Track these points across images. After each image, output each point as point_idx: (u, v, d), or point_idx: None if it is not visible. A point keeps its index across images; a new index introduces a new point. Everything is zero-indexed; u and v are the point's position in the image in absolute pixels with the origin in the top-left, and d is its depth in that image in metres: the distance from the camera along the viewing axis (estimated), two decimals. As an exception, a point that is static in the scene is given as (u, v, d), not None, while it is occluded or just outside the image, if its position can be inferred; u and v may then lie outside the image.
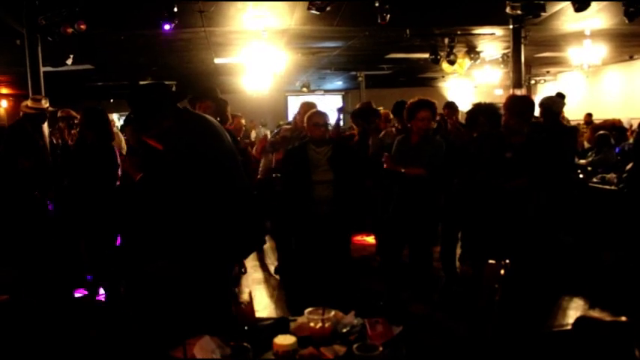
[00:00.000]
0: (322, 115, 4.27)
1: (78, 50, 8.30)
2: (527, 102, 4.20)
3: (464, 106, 6.85)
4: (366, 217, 6.02)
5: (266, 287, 5.52)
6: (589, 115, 12.74)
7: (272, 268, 5.94)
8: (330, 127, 4.50)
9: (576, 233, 5.57)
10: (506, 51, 10.68)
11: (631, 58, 13.76)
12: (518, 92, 7.70)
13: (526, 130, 4.00)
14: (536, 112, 5.01)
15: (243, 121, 6.78)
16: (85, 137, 4.70)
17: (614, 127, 8.62)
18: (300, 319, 2.13)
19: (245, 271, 5.89)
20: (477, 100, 5.82)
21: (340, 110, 5.66)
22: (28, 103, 5.47)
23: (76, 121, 5.70)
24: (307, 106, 4.91)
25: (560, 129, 5.34)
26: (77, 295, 4.85)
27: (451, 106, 6.03)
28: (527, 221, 3.96)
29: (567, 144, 5.35)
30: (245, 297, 2.15)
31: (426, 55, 10.63)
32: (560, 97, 6.37)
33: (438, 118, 5.25)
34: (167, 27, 6.43)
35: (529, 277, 3.64)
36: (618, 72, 14.94)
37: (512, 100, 4.18)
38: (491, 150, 4.04)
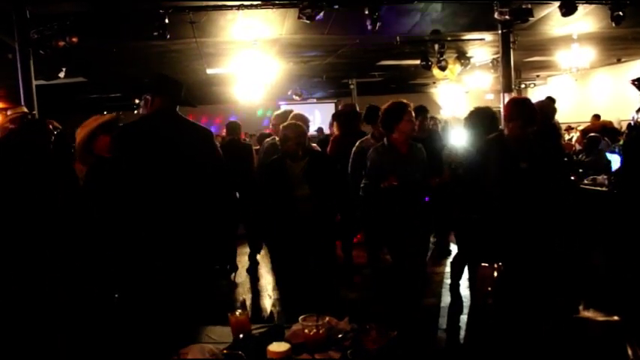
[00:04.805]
0: (294, 127, 3.96)
1: (70, 63, 8.30)
2: (527, 104, 3.80)
3: (456, 111, 6.88)
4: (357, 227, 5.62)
5: (260, 295, 5.51)
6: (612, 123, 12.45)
7: (266, 276, 5.94)
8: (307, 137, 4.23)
9: (567, 235, 5.59)
10: (495, 56, 10.75)
11: (619, 61, 13.87)
12: (508, 97, 7.75)
13: (532, 135, 3.79)
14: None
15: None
16: None
17: (606, 129, 8.66)
18: (295, 326, 2.13)
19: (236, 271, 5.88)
20: (468, 106, 5.81)
21: None
22: (9, 112, 5.46)
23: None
24: (282, 118, 4.68)
25: (555, 132, 5.35)
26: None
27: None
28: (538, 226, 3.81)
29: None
30: (239, 305, 2.16)
31: (417, 62, 10.69)
32: (551, 100, 6.36)
33: None
34: (168, 36, 6.47)
35: (522, 280, 3.64)
36: (607, 75, 15.05)
37: (511, 105, 3.84)
38: (503, 160, 3.69)
